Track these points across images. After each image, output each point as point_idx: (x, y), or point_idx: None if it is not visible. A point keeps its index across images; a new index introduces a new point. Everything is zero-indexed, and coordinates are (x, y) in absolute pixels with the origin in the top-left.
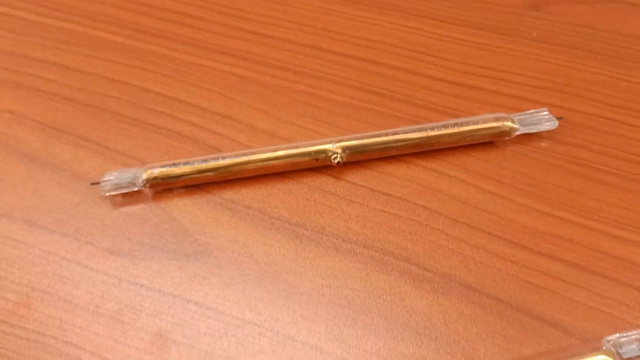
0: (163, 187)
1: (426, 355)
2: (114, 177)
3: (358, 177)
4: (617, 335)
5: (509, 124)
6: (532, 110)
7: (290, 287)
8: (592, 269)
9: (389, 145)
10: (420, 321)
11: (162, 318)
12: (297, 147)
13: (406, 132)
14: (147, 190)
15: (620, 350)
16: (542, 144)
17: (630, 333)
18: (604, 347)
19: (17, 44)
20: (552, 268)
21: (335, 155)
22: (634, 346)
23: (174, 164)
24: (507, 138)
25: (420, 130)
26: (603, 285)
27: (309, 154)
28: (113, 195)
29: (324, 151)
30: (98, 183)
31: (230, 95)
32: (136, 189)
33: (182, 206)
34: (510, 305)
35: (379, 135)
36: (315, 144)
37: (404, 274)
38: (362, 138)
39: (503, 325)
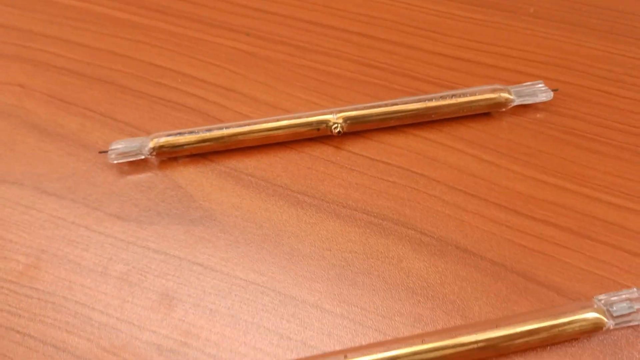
0: (168, 156)
1: (423, 313)
2: (121, 145)
3: (358, 147)
4: (608, 294)
5: (505, 95)
6: (528, 83)
7: (292, 250)
8: (585, 233)
9: (388, 115)
10: (417, 282)
11: (168, 279)
12: (299, 117)
13: (405, 103)
14: (153, 159)
15: (611, 309)
16: (538, 115)
17: (620, 292)
18: (595, 306)
19: (25, 21)
20: (545, 232)
21: (335, 125)
22: (624, 304)
23: (179, 133)
24: (503, 109)
25: (418, 101)
26: (595, 249)
27: (310, 124)
28: (120, 164)
29: (325, 121)
30: (106, 152)
31: (233, 69)
32: (142, 157)
33: (187, 174)
34: (505, 267)
35: (379, 106)
36: (316, 115)
37: (402, 238)
38: (362, 109)
39: (498, 286)
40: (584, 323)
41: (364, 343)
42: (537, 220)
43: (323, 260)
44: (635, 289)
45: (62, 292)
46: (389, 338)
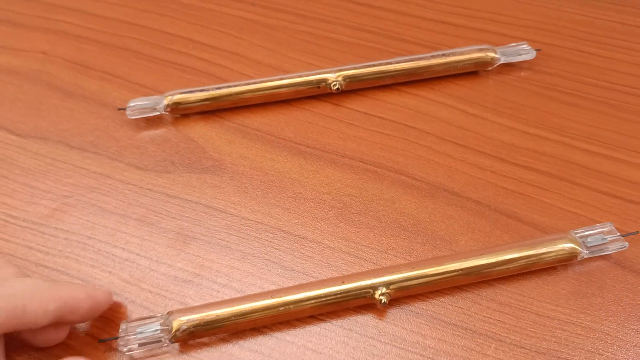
0: (181, 113)
1: (414, 246)
2: (138, 103)
3: (355, 104)
4: (584, 228)
5: (491, 54)
6: (513, 44)
7: (295, 194)
8: (563, 177)
9: (383, 74)
10: (409, 220)
11: (182, 220)
12: (301, 76)
13: (398, 62)
14: (167, 116)
15: (585, 240)
16: (522, 74)
17: (595, 226)
18: (570, 237)
19: None
20: (527, 176)
21: (335, 83)
22: (597, 236)
23: (191, 91)
24: (490, 68)
25: (411, 60)
26: (573, 190)
27: (311, 82)
28: (137, 120)
29: (325, 80)
30: (124, 109)
31: (239, 35)
32: (157, 113)
33: (198, 129)
34: (489, 207)
35: (374, 65)
36: (317, 74)
37: (395, 183)
38: (359, 68)
39: (482, 223)
40: (560, 252)
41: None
42: (519, 165)
43: (323, 202)
44: (608, 224)
45: (85, 232)
46: (383, 271)
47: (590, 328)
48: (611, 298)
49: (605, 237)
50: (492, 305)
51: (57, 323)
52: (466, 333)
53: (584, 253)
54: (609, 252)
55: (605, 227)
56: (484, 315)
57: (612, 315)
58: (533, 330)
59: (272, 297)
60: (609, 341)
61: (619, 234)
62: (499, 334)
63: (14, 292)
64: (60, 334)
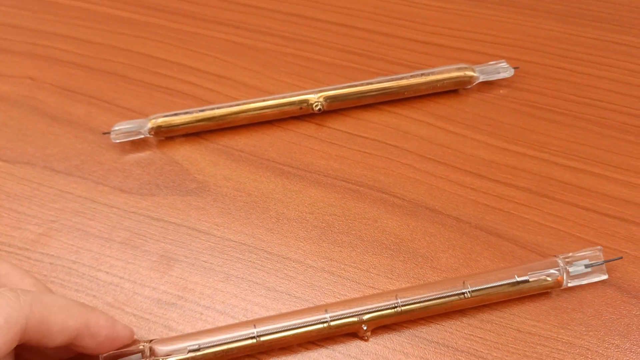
0: (166, 135)
1: (396, 264)
2: (122, 126)
3: (337, 124)
4: (571, 254)
5: (470, 72)
6: (491, 62)
7: (278, 214)
8: (543, 193)
9: (364, 94)
10: (391, 238)
11: (166, 242)
12: (283, 97)
13: (379, 82)
14: (152, 138)
15: (569, 267)
16: (501, 91)
17: (583, 251)
18: (556, 267)
19: (34, 21)
20: (507, 193)
21: (316, 104)
22: (581, 267)
23: (175, 114)
24: (469, 86)
25: (391, 80)
26: (552, 206)
27: (293, 103)
28: (122, 143)
29: (307, 100)
30: (108, 132)
31: (224, 58)
32: (142, 136)
33: (182, 151)
34: (470, 224)
35: (355, 86)
36: (299, 94)
37: (377, 201)
38: (341, 88)
39: (463, 240)
40: (543, 282)
41: (342, 292)
42: (499, 182)
43: (306, 222)
44: (598, 248)
45: (70, 256)
46: (366, 288)
47: (570, 343)
48: (591, 313)
49: (590, 263)
50: (473, 322)
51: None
52: (448, 350)
53: (567, 282)
54: (589, 282)
55: (595, 251)
56: (465, 333)
57: (592, 330)
58: (514, 346)
59: (254, 326)
60: (589, 356)
61: (603, 260)
62: (481, 351)
63: (44, 305)
64: None
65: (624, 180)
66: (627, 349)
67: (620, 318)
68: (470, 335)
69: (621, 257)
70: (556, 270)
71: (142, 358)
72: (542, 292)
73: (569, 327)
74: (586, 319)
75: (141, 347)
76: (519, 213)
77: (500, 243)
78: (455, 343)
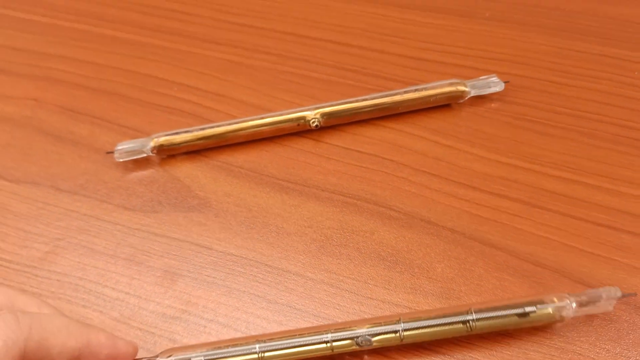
0: (167, 154)
1: (393, 275)
2: (126, 146)
3: (334, 139)
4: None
5: (462, 87)
6: (483, 77)
7: (278, 228)
8: (535, 203)
9: (360, 110)
10: (388, 250)
11: (170, 258)
12: (281, 114)
13: (374, 98)
14: (154, 157)
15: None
16: (492, 105)
17: (599, 291)
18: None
19: (36, 44)
20: (500, 204)
21: (313, 120)
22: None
23: (176, 133)
24: (461, 100)
25: (386, 96)
26: (544, 216)
27: (291, 120)
28: (125, 162)
29: (304, 117)
30: (112, 152)
31: (222, 77)
32: (145, 155)
33: (184, 169)
34: (464, 235)
35: (351, 102)
36: (296, 112)
37: (374, 214)
38: (336, 105)
39: (458, 251)
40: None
41: (342, 304)
42: (492, 194)
43: (305, 236)
44: (614, 289)
45: (77, 273)
46: (364, 299)
47: (563, 349)
48: (583, 320)
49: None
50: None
51: None
52: None
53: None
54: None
55: (610, 292)
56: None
57: (584, 335)
58: (509, 353)
59: (256, 341)
60: None
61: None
62: None
63: (43, 327)
64: None
65: (615, 190)
66: (617, 353)
67: (611, 324)
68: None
69: (635, 294)
70: (564, 305)
71: None
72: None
73: (561, 333)
74: (577, 325)
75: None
76: (512, 223)
77: (494, 253)
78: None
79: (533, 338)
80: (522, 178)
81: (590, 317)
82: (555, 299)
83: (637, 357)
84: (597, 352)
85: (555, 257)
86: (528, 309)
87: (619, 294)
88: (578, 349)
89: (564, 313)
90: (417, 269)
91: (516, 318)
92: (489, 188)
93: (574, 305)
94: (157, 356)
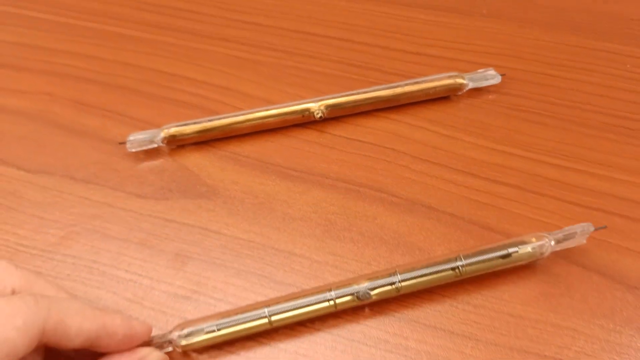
0: (177, 144)
1: (396, 257)
2: (137, 137)
3: (337, 130)
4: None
5: (460, 80)
6: (480, 70)
7: (283, 214)
8: (531, 189)
9: (362, 101)
10: (390, 234)
11: (180, 242)
12: (286, 106)
13: (376, 91)
14: (164, 147)
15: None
16: (490, 97)
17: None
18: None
19: (49, 41)
20: (497, 190)
21: (317, 112)
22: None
23: (185, 124)
24: (460, 93)
25: (387, 88)
26: (539, 201)
27: (295, 111)
28: (136, 152)
29: (308, 109)
30: (124, 143)
31: (230, 72)
32: (155, 145)
33: (193, 159)
34: (463, 219)
35: (354, 94)
36: (300, 104)
37: (376, 200)
38: (340, 97)
39: (457, 234)
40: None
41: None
42: (489, 180)
43: (310, 221)
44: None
45: (91, 256)
46: None
47: (558, 325)
48: (578, 297)
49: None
50: (467, 307)
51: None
52: (445, 334)
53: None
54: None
55: (584, 227)
56: (460, 317)
57: (578, 313)
58: (506, 329)
59: (265, 306)
60: (576, 336)
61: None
62: (475, 334)
63: (61, 308)
64: None
65: (606, 176)
66: (611, 329)
67: (604, 301)
68: (465, 319)
69: (605, 226)
70: (543, 243)
71: (169, 344)
72: (533, 278)
73: (557, 310)
74: (573, 303)
75: (165, 341)
76: (508, 208)
77: (492, 236)
78: (452, 327)
79: (530, 316)
80: (517, 165)
81: (585, 296)
82: (534, 239)
83: (630, 333)
84: (592, 328)
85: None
86: (511, 249)
87: (591, 228)
88: (573, 325)
89: (544, 250)
90: (417, 251)
91: (501, 260)
92: (486, 175)
93: (552, 243)
94: (171, 331)
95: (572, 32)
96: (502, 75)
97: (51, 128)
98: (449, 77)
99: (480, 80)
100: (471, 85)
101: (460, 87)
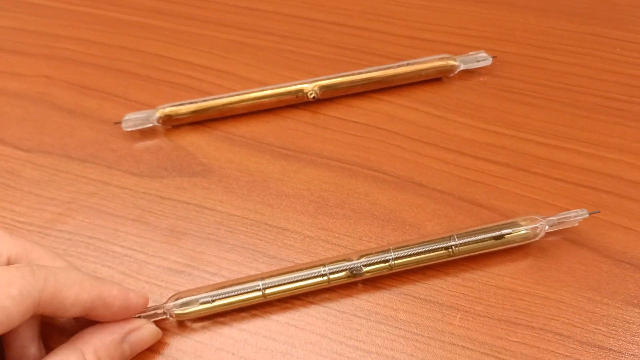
0: (173, 124)
1: (387, 232)
2: (133, 116)
3: (331, 110)
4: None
5: (452, 62)
6: (472, 52)
7: (277, 191)
8: (519, 167)
9: (355, 83)
10: (382, 210)
11: (175, 218)
12: (280, 87)
13: (369, 72)
14: (160, 127)
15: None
16: (481, 79)
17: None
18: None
19: (48, 26)
20: (487, 168)
21: (311, 92)
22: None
23: (181, 104)
24: (451, 74)
25: (380, 70)
26: (528, 178)
27: (290, 92)
28: (132, 132)
29: (302, 90)
30: (120, 122)
31: (227, 55)
32: (151, 125)
33: (188, 138)
34: (453, 195)
35: (347, 75)
36: (294, 84)
37: (368, 178)
38: (333, 78)
39: (447, 210)
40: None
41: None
42: (480, 158)
43: (303, 198)
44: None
45: (87, 232)
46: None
47: (546, 297)
48: (565, 271)
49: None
50: (457, 280)
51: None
52: (434, 306)
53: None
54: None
55: (578, 213)
56: (449, 290)
57: (566, 285)
58: (495, 301)
59: (259, 279)
60: (563, 308)
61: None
62: (464, 306)
63: (57, 279)
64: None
65: (594, 154)
66: (598, 301)
67: (592, 274)
68: (454, 292)
69: (599, 211)
70: (537, 226)
71: (164, 314)
72: (521, 252)
73: (545, 283)
74: (561, 276)
75: (160, 311)
76: (497, 185)
77: (481, 211)
78: (441, 299)
79: (519, 288)
80: (507, 144)
81: (573, 270)
82: (528, 221)
83: (617, 305)
84: (579, 300)
85: (538, 214)
86: (504, 231)
87: (586, 215)
88: (561, 297)
89: (538, 232)
90: (408, 227)
91: (494, 241)
92: (476, 153)
93: (546, 227)
94: (166, 302)
95: (563, 16)
96: (493, 57)
97: (49, 109)
98: (441, 59)
99: (472, 62)
100: (463, 67)
101: (451, 68)
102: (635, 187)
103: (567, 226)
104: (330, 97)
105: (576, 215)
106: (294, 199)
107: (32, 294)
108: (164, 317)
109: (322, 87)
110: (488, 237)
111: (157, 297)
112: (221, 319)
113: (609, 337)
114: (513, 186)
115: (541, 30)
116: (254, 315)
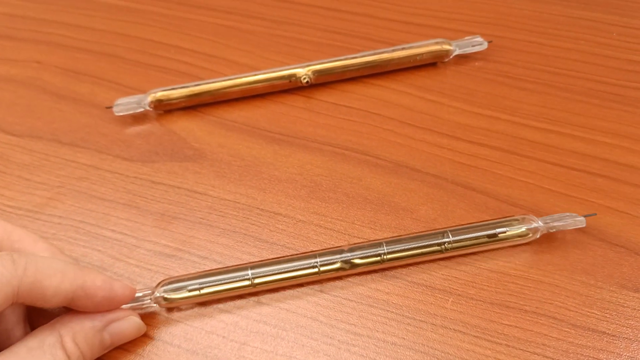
0: (164, 109)
1: (379, 217)
2: (124, 101)
3: (324, 96)
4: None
5: (447, 46)
6: (467, 37)
7: (270, 176)
8: (514, 151)
9: (349, 67)
10: (375, 195)
11: (166, 203)
12: (273, 71)
13: (363, 56)
14: (152, 112)
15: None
16: (476, 64)
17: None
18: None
19: (38, 11)
20: (480, 152)
21: (304, 77)
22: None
23: (172, 88)
24: (446, 59)
25: (374, 54)
26: (522, 162)
27: (283, 77)
28: (124, 117)
29: (295, 74)
30: (111, 107)
31: (218, 40)
32: (142, 110)
33: (180, 123)
34: (446, 180)
35: (341, 60)
36: (288, 69)
37: (361, 162)
38: (327, 62)
39: (440, 194)
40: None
41: (330, 242)
42: (473, 143)
43: (296, 182)
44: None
45: (77, 217)
46: (351, 237)
47: (540, 281)
48: (559, 254)
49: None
50: (449, 264)
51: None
52: (426, 289)
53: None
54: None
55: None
56: (442, 274)
57: (560, 269)
58: (487, 284)
59: (249, 268)
60: (557, 292)
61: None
62: (456, 289)
63: (38, 268)
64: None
65: (589, 139)
66: (592, 284)
67: (586, 258)
68: (447, 275)
69: (596, 214)
70: (532, 226)
71: (151, 300)
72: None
73: (538, 267)
74: (554, 260)
75: (147, 300)
76: (491, 169)
77: (474, 196)
78: (434, 283)
79: (511, 272)
80: (501, 128)
81: (566, 254)
82: (524, 222)
83: (611, 289)
84: (573, 284)
85: (531, 198)
86: (498, 230)
87: (583, 224)
88: (555, 281)
89: (532, 233)
90: (401, 211)
91: (486, 239)
92: (470, 138)
93: (538, 236)
94: (154, 289)
95: (558, 1)
96: (488, 42)
97: (40, 94)
98: (436, 43)
99: (467, 46)
100: (458, 51)
101: (446, 53)
102: (629, 171)
103: (562, 229)
104: (324, 82)
105: (574, 221)
106: (287, 183)
107: (11, 282)
108: (151, 307)
109: (315, 72)
110: (482, 235)
111: (147, 281)
112: (211, 303)
113: (603, 320)
114: (507, 170)
115: (537, 15)
116: (245, 299)
